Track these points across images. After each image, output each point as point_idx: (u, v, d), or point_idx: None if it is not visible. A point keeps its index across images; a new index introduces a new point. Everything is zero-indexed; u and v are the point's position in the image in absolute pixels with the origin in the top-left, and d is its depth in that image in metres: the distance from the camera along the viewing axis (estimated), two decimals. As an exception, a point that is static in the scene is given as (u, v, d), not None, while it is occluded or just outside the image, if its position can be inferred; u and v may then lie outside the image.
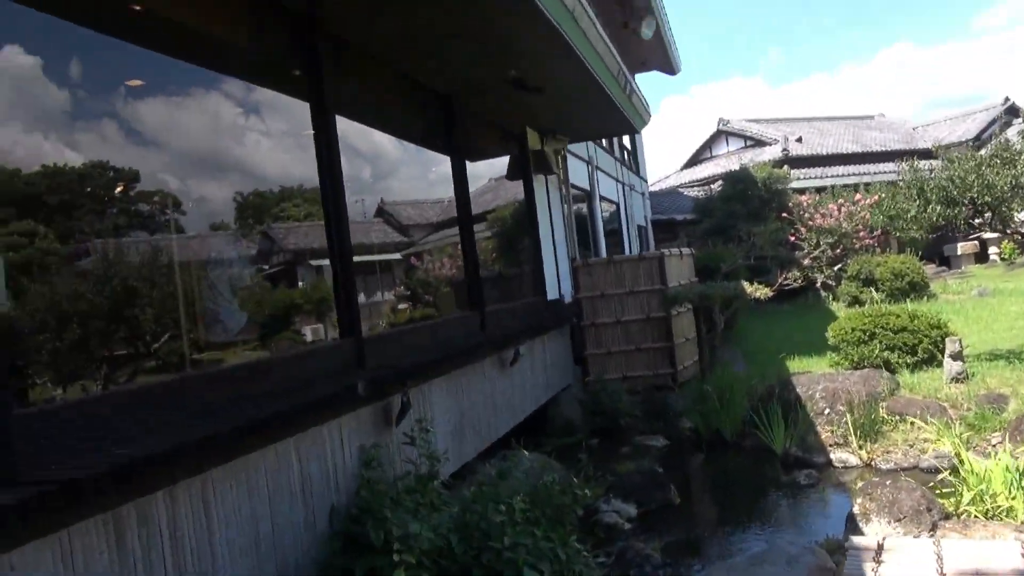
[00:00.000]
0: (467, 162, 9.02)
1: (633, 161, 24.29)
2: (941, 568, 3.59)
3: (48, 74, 3.85)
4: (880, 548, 3.98)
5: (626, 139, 23.65)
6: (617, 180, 20.26)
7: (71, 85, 4.01)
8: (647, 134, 31.04)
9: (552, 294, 11.82)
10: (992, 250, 28.53)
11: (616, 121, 12.02)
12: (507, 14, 6.29)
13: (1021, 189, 10.81)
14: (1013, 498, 6.68)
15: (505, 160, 11.35)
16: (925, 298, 19.02)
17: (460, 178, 8.72)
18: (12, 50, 3.65)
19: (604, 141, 18.10)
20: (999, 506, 6.71)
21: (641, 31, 16.66)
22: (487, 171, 11.33)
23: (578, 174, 14.77)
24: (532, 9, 6.02)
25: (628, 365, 12.29)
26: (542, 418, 10.44)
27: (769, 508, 8.23)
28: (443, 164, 8.78)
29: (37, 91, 3.86)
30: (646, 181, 26.60)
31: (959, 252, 29.01)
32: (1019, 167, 10.48)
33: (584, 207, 15.90)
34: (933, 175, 11.19)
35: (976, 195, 10.61)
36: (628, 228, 21.21)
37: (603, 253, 16.47)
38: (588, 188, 15.95)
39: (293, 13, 5.43)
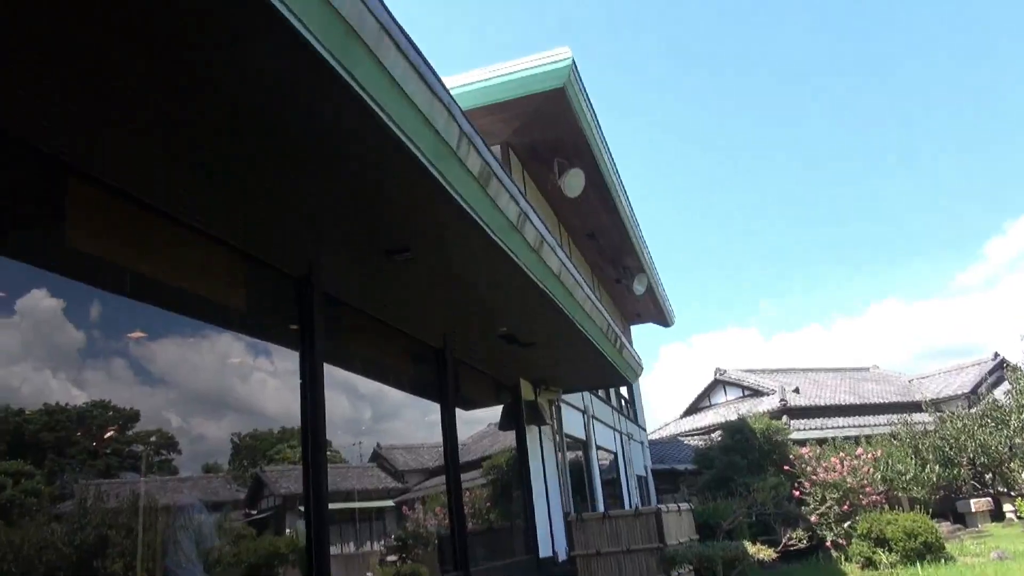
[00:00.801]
0: (459, 410, 9.06)
1: (631, 410, 24.34)
2: None
3: (67, 317, 4.11)
4: None
5: (623, 388, 23.93)
6: (614, 429, 20.16)
7: (86, 328, 4.23)
8: (647, 381, 31.43)
9: (545, 551, 11.26)
10: (1007, 507, 27.43)
11: (608, 374, 12.26)
12: (493, 287, 6.68)
13: (1019, 449, 10.72)
14: None
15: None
16: (942, 560, 17.98)
17: (449, 427, 8.71)
18: (36, 295, 3.94)
19: (600, 391, 18.30)
20: None
21: (633, 288, 17.58)
22: (487, 416, 11.35)
23: (573, 424, 14.76)
24: (520, 273, 6.42)
25: (626, 634, 11.36)
26: None
27: None
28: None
29: (54, 334, 4.08)
30: (645, 430, 26.45)
31: (973, 509, 27.85)
32: (1012, 428, 10.48)
33: (581, 456, 15.68)
34: (928, 434, 11.16)
35: (973, 455, 10.48)
36: (627, 478, 20.72)
37: (600, 504, 15.95)
38: (584, 438, 15.83)
39: (290, 276, 5.78)
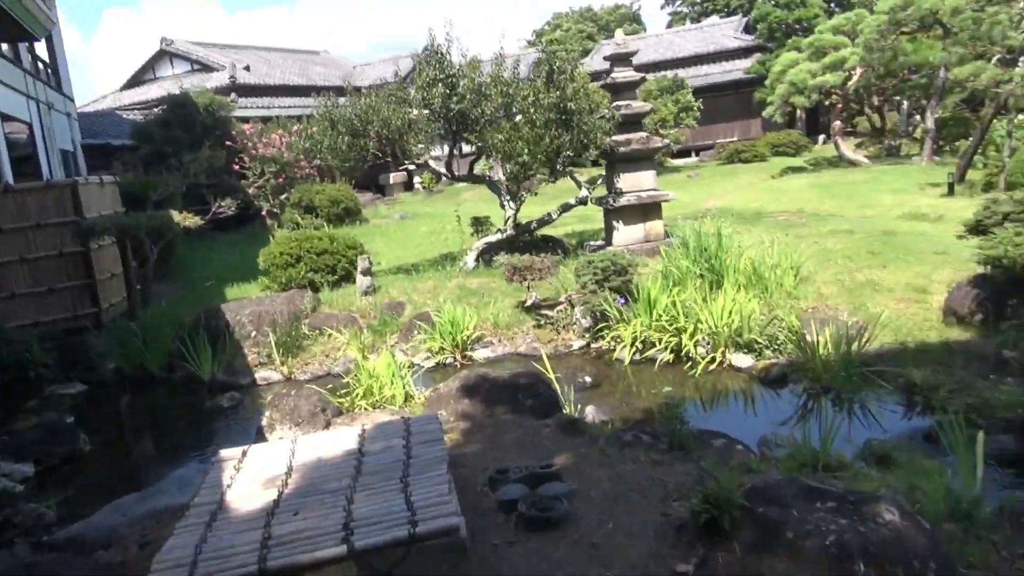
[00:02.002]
0: None
1: (54, 76, 21.02)
2: (291, 463, 4.00)
3: None
4: (244, 455, 4.25)
5: (43, 50, 20.28)
6: (29, 96, 17.28)
7: None
8: (83, 47, 27.01)
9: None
10: (417, 179, 32.93)
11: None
12: None
13: (415, 125, 12.55)
14: (394, 387, 7.92)
15: None
16: (358, 222, 21.05)
17: None
18: None
19: (7, 49, 15.16)
20: (385, 396, 7.89)
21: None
22: None
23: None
24: None
25: (41, 309, 10.83)
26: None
27: (192, 433, 8.23)
28: None
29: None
30: (73, 100, 23.34)
31: (391, 181, 32.77)
32: (410, 105, 12.09)
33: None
34: (343, 109, 12.20)
35: (378, 129, 11.94)
36: (49, 153, 18.40)
37: (10, 180, 14.00)
38: (-23, 103, 13.25)
39: None
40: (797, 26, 34.64)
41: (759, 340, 8.66)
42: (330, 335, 10.24)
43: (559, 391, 7.49)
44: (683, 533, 3.51)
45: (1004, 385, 6.78)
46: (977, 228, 8.36)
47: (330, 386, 8.32)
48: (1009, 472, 6.05)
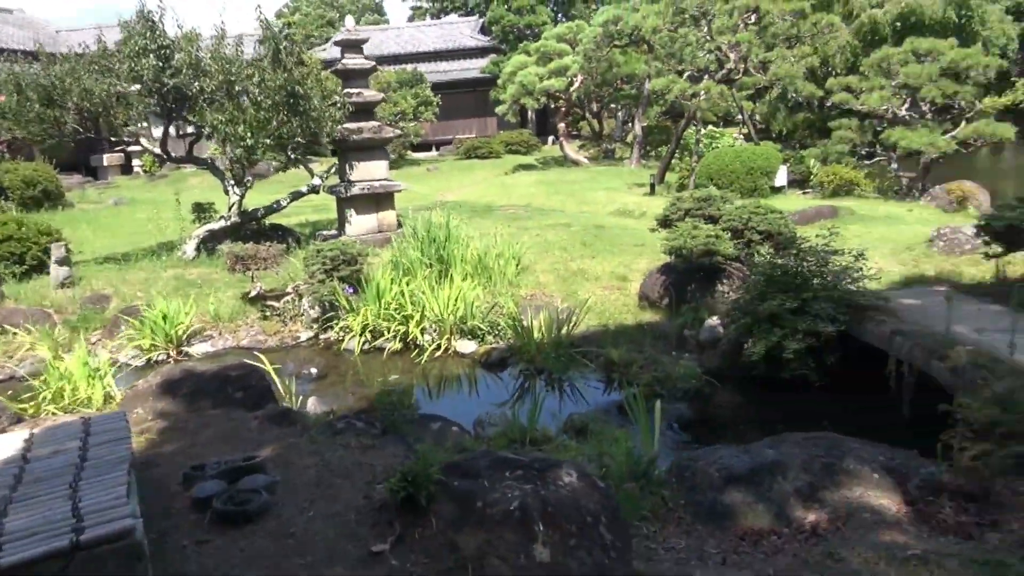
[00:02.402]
0: None
1: None
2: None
3: None
4: None
5: None
6: None
7: None
8: None
9: None
10: (136, 162, 29.87)
11: None
12: None
13: (123, 98, 11.35)
14: (92, 388, 7.12)
15: None
16: (61, 207, 18.63)
17: None
18: None
19: None
20: (80, 399, 7.07)
21: None
22: None
23: None
24: None
25: None
26: None
27: None
28: None
29: None
30: None
31: (105, 163, 29.39)
32: (116, 76, 10.91)
33: None
34: (34, 74, 10.70)
35: (78, 100, 10.63)
36: None
37: None
38: None
39: None
40: (528, 31, 36.68)
41: (482, 327, 9.07)
42: (14, 334, 8.95)
43: (278, 383, 7.25)
44: (383, 513, 3.56)
45: (683, 360, 7.78)
46: (665, 222, 9.48)
47: (10, 392, 7.28)
48: (686, 435, 6.98)
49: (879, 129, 15.96)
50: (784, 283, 7.38)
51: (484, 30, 39.46)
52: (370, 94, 12.44)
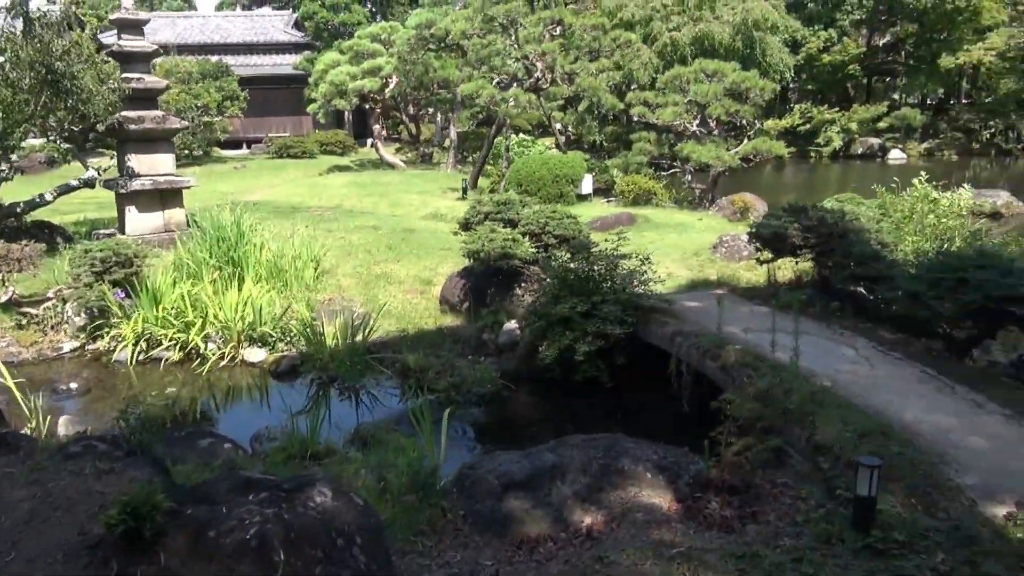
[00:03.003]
0: None
1: None
2: None
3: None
4: None
5: None
6: None
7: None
8: None
9: None
10: None
11: None
12: None
13: None
14: None
15: None
16: None
17: None
18: None
19: None
20: None
21: None
22: None
23: None
24: None
25: None
26: None
27: None
28: None
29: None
30: None
31: None
32: None
33: None
34: None
35: None
36: None
37: None
38: None
39: None
40: (343, 29, 35.77)
41: (272, 333, 8.49)
42: None
43: (21, 402, 6.33)
44: (99, 551, 3.06)
45: (480, 365, 7.68)
46: (466, 225, 9.39)
47: None
48: (478, 441, 6.88)
49: (675, 143, 16.99)
50: (576, 287, 7.50)
51: (298, 25, 37.99)
52: (152, 80, 11.37)
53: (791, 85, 46.21)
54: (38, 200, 11.26)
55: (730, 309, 7.00)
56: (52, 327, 8.94)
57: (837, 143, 37.37)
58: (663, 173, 17.71)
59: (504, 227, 8.90)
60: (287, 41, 36.76)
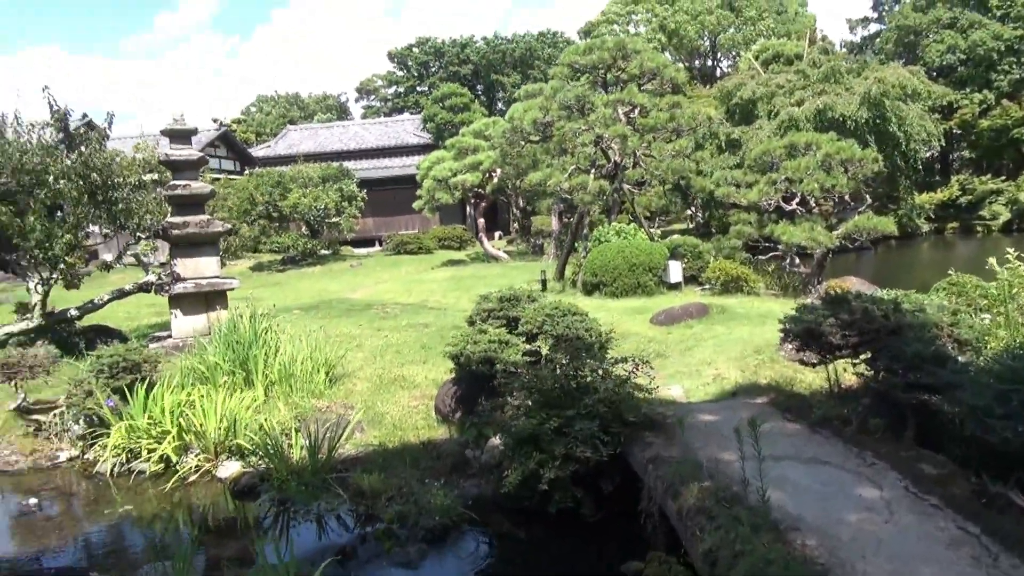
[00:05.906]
0: None
1: None
2: None
3: None
4: None
5: None
6: None
7: None
8: None
9: None
10: None
11: None
12: None
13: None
14: None
15: None
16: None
17: None
18: None
19: None
20: None
21: None
22: None
23: None
24: None
25: None
26: None
27: None
28: None
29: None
30: None
31: None
32: None
33: None
34: None
35: None
36: None
37: None
38: None
39: None
40: (464, 128, 36.86)
41: (247, 446, 7.86)
42: None
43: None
44: None
45: (437, 490, 6.56)
46: (471, 323, 8.46)
47: None
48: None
49: (776, 222, 15.31)
50: (554, 399, 6.32)
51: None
52: (198, 186, 11.59)
53: (952, 156, 42.07)
54: (90, 305, 11.61)
55: (747, 426, 5.53)
56: (56, 435, 8.85)
57: (1005, 215, 33.16)
58: (762, 257, 15.97)
59: (503, 326, 7.90)
60: (416, 143, 38.39)
